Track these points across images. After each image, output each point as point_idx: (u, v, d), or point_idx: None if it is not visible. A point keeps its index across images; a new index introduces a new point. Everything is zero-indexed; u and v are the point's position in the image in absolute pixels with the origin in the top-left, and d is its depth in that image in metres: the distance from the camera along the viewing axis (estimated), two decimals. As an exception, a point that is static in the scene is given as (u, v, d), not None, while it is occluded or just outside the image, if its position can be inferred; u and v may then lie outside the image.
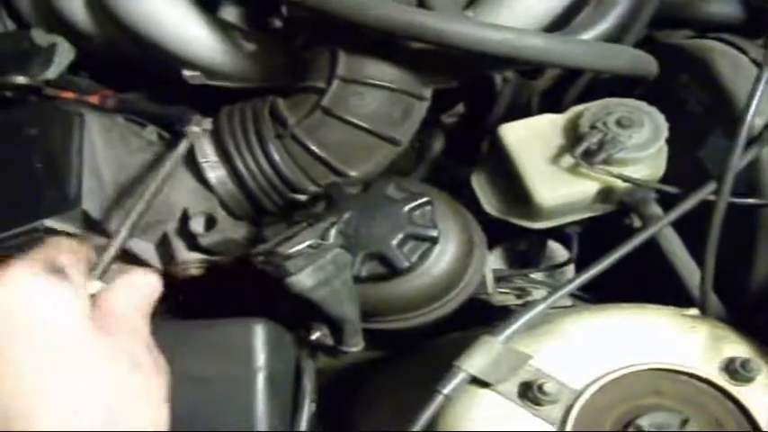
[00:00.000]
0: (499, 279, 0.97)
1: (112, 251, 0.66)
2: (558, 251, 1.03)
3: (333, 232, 0.75)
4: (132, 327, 0.57)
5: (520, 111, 1.07)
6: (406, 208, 0.79)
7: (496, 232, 0.97)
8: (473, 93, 1.11)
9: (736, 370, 0.70)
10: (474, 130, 1.11)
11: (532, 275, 1.01)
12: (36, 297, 0.53)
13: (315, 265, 0.72)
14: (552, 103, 1.06)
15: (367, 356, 0.90)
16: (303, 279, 0.72)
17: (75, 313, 0.54)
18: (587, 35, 0.88)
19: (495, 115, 1.08)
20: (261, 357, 0.72)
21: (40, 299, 0.53)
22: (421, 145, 1.08)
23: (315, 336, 0.79)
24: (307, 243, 0.72)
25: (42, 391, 0.51)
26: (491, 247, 1.01)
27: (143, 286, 0.60)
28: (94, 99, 0.97)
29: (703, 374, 0.70)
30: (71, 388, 0.52)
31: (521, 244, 1.03)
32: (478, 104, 1.11)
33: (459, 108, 1.15)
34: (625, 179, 0.86)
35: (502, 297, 0.91)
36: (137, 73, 1.06)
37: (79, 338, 0.53)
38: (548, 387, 0.67)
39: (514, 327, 0.71)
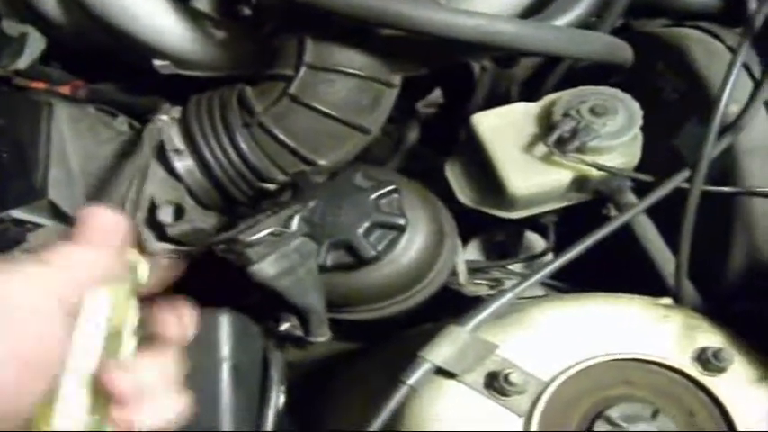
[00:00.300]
0: (476, 270, 0.96)
1: None
2: (536, 242, 1.02)
3: (296, 220, 0.74)
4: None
5: (499, 100, 1.05)
6: (373, 196, 0.78)
7: (474, 223, 0.96)
8: (451, 82, 1.10)
9: (708, 360, 0.70)
10: (453, 119, 1.10)
11: (510, 266, 1.00)
12: None
13: (278, 253, 0.72)
14: (531, 92, 1.04)
15: (339, 348, 0.89)
16: (266, 267, 0.71)
17: None
18: (560, 21, 0.87)
19: (473, 105, 1.07)
20: (225, 348, 0.72)
21: None
22: (398, 135, 1.07)
23: (284, 327, 0.79)
24: (268, 231, 0.72)
25: None
26: (468, 238, 1.01)
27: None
28: (66, 89, 0.97)
29: (675, 364, 0.70)
30: None
31: (498, 235, 1.03)
32: (457, 94, 1.10)
33: (439, 98, 1.14)
34: (599, 167, 0.85)
35: (474, 287, 0.90)
36: (111, 63, 1.05)
37: None
38: (514, 377, 0.66)
39: (481, 316, 0.70)
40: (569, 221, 0.95)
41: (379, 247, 0.77)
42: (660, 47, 0.94)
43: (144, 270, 0.58)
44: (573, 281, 0.92)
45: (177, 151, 0.88)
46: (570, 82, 0.94)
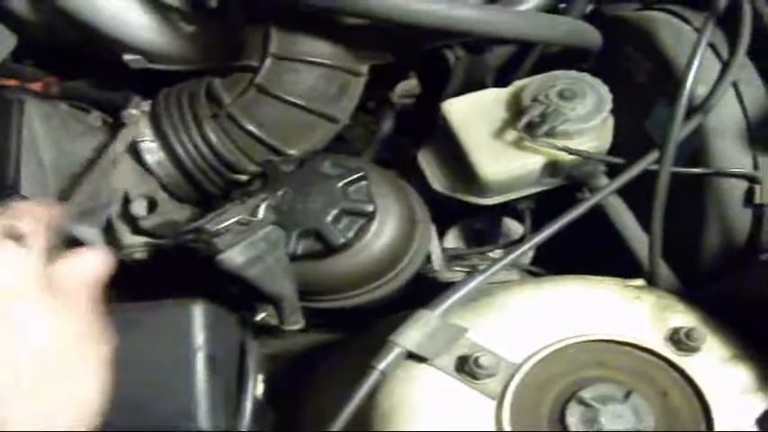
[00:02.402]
0: (455, 257, 0.96)
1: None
2: (516, 228, 1.03)
3: (262, 208, 0.74)
4: (81, 300, 0.58)
5: (474, 88, 1.05)
6: (341, 183, 0.78)
7: (453, 211, 0.96)
8: (427, 71, 1.10)
9: (680, 340, 0.70)
10: (430, 109, 1.09)
11: (489, 253, 1.00)
12: None
13: (246, 241, 0.72)
14: (506, 79, 1.04)
15: (318, 339, 0.89)
16: (233, 256, 0.71)
17: (29, 281, 0.54)
18: (524, 6, 0.87)
19: (449, 93, 1.07)
20: (200, 337, 0.72)
21: None
22: (374, 125, 1.07)
23: (259, 316, 0.79)
24: (235, 219, 0.72)
25: None
26: (448, 226, 1.01)
27: (94, 263, 0.60)
28: (37, 86, 0.96)
29: (648, 345, 0.70)
30: (13, 350, 0.52)
31: (477, 222, 1.03)
32: (433, 83, 1.10)
33: (415, 87, 1.13)
34: (569, 151, 0.85)
35: (451, 274, 0.90)
36: (82, 59, 1.04)
37: (31, 305, 0.54)
38: (484, 360, 0.67)
39: (451, 300, 0.71)
40: (549, 207, 0.95)
41: (349, 235, 0.78)
42: (629, 30, 0.93)
43: None
44: (554, 267, 0.92)
45: (148, 144, 0.89)
46: (546, 69, 0.94)
